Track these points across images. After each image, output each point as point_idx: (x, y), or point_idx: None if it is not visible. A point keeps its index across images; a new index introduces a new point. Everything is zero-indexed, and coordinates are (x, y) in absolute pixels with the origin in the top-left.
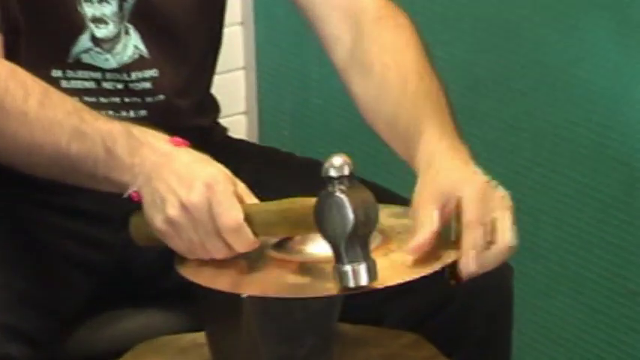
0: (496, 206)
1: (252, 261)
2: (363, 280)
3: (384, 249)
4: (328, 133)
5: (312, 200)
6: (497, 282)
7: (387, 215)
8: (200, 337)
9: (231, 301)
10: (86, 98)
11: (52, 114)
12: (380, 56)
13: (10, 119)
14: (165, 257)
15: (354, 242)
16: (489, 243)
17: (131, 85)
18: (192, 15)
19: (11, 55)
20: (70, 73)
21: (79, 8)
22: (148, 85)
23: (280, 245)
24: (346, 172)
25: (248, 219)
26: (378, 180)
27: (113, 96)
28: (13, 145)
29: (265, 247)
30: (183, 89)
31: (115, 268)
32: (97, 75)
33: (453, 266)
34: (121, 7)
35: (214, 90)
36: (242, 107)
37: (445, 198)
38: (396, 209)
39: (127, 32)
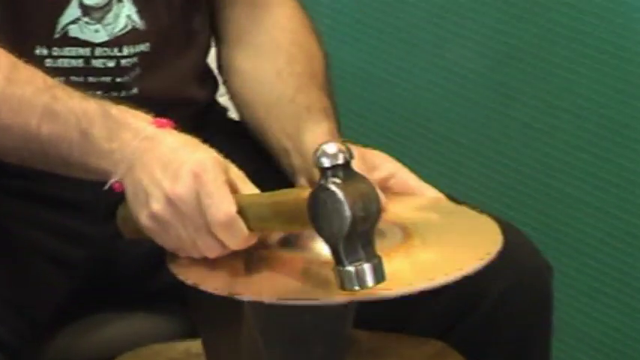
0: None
1: (254, 259)
2: (369, 282)
3: (406, 247)
4: None
5: (307, 193)
6: (532, 282)
7: (410, 208)
8: (195, 345)
9: (231, 304)
10: (73, 78)
11: (21, 91)
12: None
13: None
14: (155, 254)
15: (354, 240)
16: None
17: (123, 62)
18: None
19: None
20: (56, 51)
21: None
22: (135, 59)
23: (288, 241)
24: (341, 160)
25: (241, 212)
26: None
27: (103, 75)
28: None
29: (270, 243)
30: (174, 60)
31: (97, 266)
32: (86, 51)
33: None
34: None
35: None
36: None
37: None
38: (422, 201)
39: (119, 0)
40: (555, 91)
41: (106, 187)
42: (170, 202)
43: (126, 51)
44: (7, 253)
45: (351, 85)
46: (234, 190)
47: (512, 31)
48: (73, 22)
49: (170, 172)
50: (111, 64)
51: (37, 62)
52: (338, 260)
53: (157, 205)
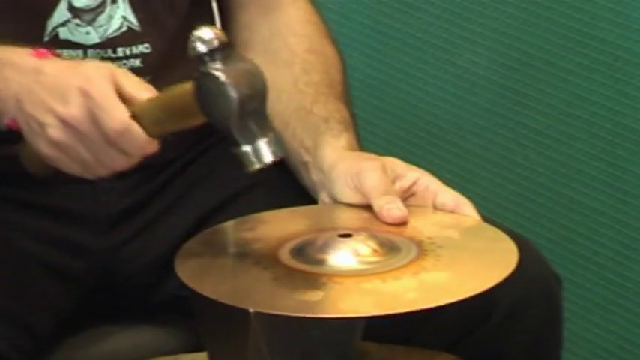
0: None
1: (263, 269)
2: (267, 157)
3: (416, 266)
4: None
5: (191, 84)
6: (541, 293)
7: (431, 223)
8: (200, 358)
9: (237, 315)
10: None
11: None
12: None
13: None
14: (159, 266)
15: (245, 120)
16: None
17: (117, 63)
18: None
19: None
20: None
21: None
22: (137, 62)
23: (298, 252)
24: (216, 44)
25: (137, 120)
26: None
27: None
28: None
29: (281, 254)
30: (177, 67)
31: (99, 278)
32: (78, 53)
33: None
34: None
35: None
36: None
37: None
38: (443, 217)
39: (113, 1)
40: (568, 99)
41: (3, 127)
42: (66, 124)
43: (121, 52)
44: (7, 264)
45: (361, 92)
46: (126, 97)
47: (524, 37)
48: (63, 24)
49: (58, 95)
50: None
51: None
52: (234, 142)
53: (54, 132)
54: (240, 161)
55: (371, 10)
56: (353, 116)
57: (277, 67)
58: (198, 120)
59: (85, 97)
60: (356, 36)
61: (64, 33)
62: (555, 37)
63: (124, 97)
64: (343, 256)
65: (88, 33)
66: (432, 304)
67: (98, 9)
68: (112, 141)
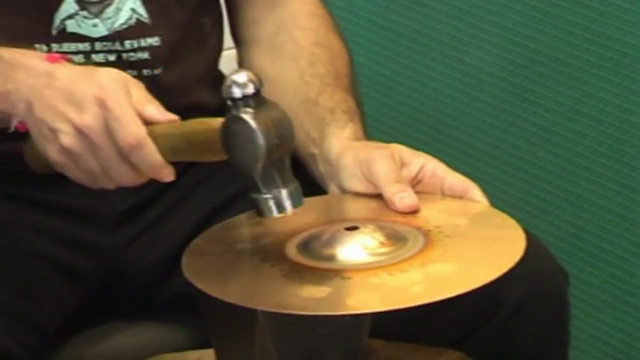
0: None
1: (270, 266)
2: (288, 207)
3: (423, 257)
4: None
5: (219, 122)
6: (548, 289)
7: (438, 210)
8: (207, 355)
9: (244, 313)
10: None
11: None
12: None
13: None
14: (165, 263)
15: (270, 168)
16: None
17: (125, 56)
18: None
19: None
20: (55, 47)
21: None
22: (145, 55)
23: (305, 247)
24: (251, 90)
25: (154, 142)
26: None
27: None
28: None
29: (288, 249)
30: (187, 61)
31: (106, 275)
32: (85, 46)
33: None
34: None
35: (224, 69)
36: None
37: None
38: (452, 203)
39: None
40: (576, 96)
41: (11, 129)
42: (79, 133)
43: (128, 45)
44: (14, 262)
45: (368, 89)
46: (141, 112)
47: (532, 35)
48: (70, 17)
49: (74, 103)
50: (112, 57)
51: None
52: (255, 189)
53: (67, 139)
54: (257, 206)
55: (378, 7)
56: (360, 107)
57: (284, 61)
58: (217, 157)
59: (100, 107)
60: (363, 33)
61: (71, 25)
62: (563, 35)
63: (138, 111)
64: (350, 250)
65: (95, 25)
66: (438, 298)
67: (106, 1)
68: (124, 154)
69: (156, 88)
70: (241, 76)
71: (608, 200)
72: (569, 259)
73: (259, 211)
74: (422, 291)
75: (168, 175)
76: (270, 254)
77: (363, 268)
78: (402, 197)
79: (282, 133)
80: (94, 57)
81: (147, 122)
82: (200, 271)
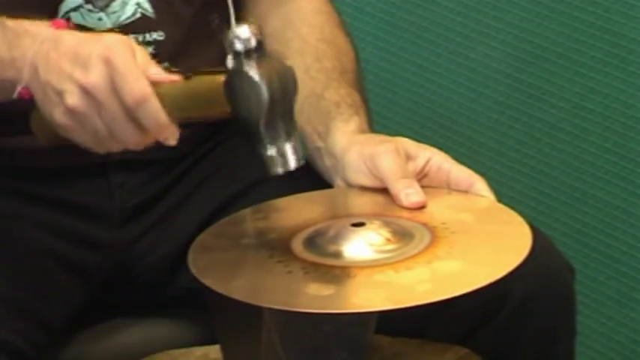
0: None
1: (277, 263)
2: (292, 163)
3: (429, 254)
4: None
5: (222, 78)
6: (554, 284)
7: (445, 206)
8: (213, 351)
9: (250, 309)
10: None
11: None
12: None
13: None
14: (172, 260)
15: (274, 120)
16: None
17: None
18: None
19: None
20: None
21: None
22: (150, 50)
23: (311, 243)
24: (254, 43)
25: (159, 101)
26: None
27: None
28: None
29: (294, 245)
30: (193, 56)
31: (113, 271)
32: None
33: None
34: None
35: None
36: None
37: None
38: (458, 198)
39: None
40: (582, 92)
41: (15, 95)
42: (85, 92)
43: (133, 39)
44: (21, 259)
45: (374, 85)
46: (145, 72)
47: (538, 31)
48: (75, 9)
49: (79, 63)
50: None
51: None
52: (260, 142)
53: (72, 98)
54: (264, 163)
55: (384, 3)
56: (365, 101)
57: (290, 57)
58: (221, 112)
59: (106, 64)
60: (369, 29)
61: (76, 18)
62: (569, 31)
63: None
64: (356, 247)
65: (100, 19)
66: (444, 297)
67: None
68: (130, 110)
69: None
70: (244, 30)
71: (614, 196)
72: (575, 255)
73: (266, 167)
74: (428, 289)
75: (172, 134)
76: (276, 250)
77: (369, 265)
78: (409, 194)
79: (285, 84)
80: None
81: (151, 84)
82: (206, 267)
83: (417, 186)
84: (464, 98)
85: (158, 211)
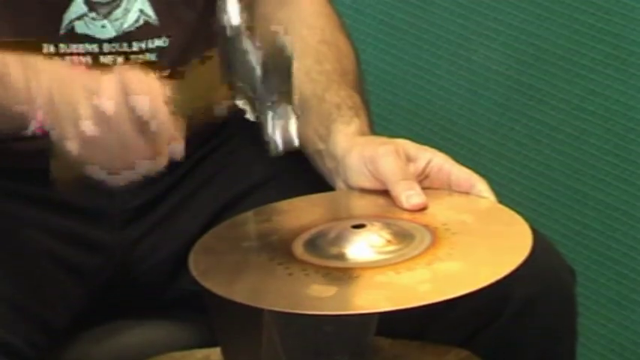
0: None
1: (277, 264)
2: (294, 142)
3: (430, 256)
4: None
5: (215, 60)
6: (555, 286)
7: (445, 207)
8: (214, 353)
9: (251, 312)
10: None
11: None
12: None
13: None
14: (173, 261)
15: (271, 82)
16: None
17: (132, 57)
18: None
19: None
20: (63, 48)
21: None
22: (152, 56)
23: (312, 245)
24: (242, 17)
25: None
26: None
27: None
28: None
29: (295, 247)
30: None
31: (114, 274)
32: (94, 47)
33: None
34: None
35: None
36: None
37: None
38: (459, 199)
39: None
40: (582, 94)
41: (29, 132)
42: (99, 115)
43: (136, 46)
44: (22, 260)
45: (374, 87)
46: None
47: (539, 33)
48: (79, 18)
49: (93, 84)
50: (119, 59)
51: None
52: (259, 110)
53: (87, 126)
54: (263, 144)
55: (385, 5)
56: (366, 103)
57: None
58: (220, 93)
59: (119, 83)
60: (370, 31)
61: (79, 27)
62: (570, 33)
63: None
64: (357, 249)
65: (103, 27)
66: (445, 297)
67: (114, 2)
68: (142, 122)
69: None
70: (231, 4)
71: (614, 198)
72: (575, 257)
73: (266, 147)
74: (429, 290)
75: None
76: (277, 252)
77: (370, 266)
78: (409, 195)
79: (277, 47)
80: (102, 59)
81: None
82: (207, 270)
83: (417, 187)
84: (464, 100)
85: (159, 212)
